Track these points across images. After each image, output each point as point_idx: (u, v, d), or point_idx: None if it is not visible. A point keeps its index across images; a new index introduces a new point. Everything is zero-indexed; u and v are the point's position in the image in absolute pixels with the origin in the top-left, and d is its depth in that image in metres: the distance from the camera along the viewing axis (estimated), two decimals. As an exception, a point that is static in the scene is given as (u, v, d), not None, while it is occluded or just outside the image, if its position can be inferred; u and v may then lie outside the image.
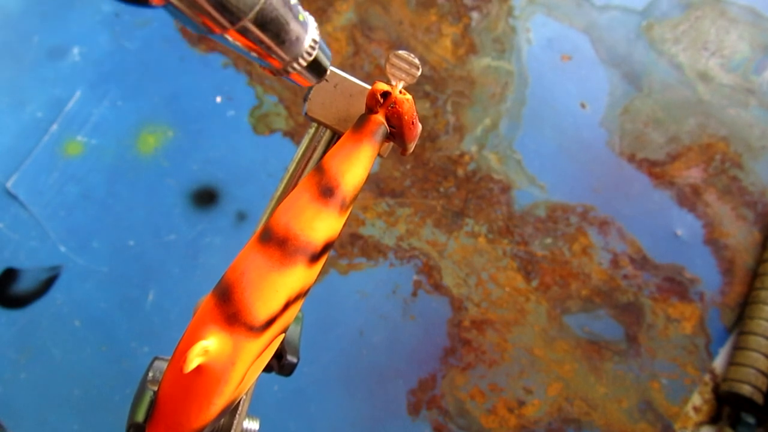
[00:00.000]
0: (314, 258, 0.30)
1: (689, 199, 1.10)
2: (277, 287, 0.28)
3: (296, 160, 0.41)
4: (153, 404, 0.29)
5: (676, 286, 1.05)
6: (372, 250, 1.04)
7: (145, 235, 1.02)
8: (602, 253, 1.06)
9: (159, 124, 1.09)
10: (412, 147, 0.40)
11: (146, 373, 0.34)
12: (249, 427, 0.34)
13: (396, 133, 0.37)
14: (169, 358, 0.31)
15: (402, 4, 1.19)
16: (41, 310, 0.98)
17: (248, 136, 1.10)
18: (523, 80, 1.15)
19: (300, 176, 0.42)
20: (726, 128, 1.14)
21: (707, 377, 1.01)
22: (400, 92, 0.36)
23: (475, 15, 1.19)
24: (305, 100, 0.39)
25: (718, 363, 1.02)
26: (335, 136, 0.41)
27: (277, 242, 0.29)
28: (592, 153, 1.12)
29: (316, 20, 1.16)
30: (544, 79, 1.16)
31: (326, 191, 0.31)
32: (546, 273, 1.05)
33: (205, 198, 1.05)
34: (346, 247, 1.04)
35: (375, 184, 1.07)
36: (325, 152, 0.42)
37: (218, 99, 1.11)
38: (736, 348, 1.01)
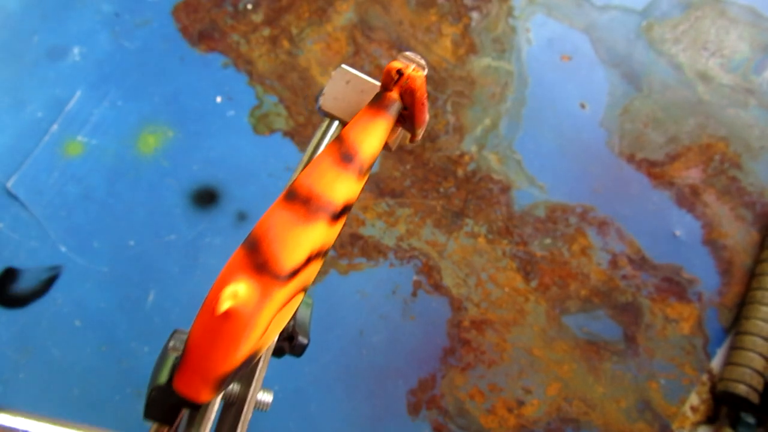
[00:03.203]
0: (335, 217, 0.33)
1: (688, 199, 1.10)
2: (301, 241, 0.31)
3: (309, 152, 0.42)
4: (178, 361, 0.31)
5: (675, 286, 1.06)
6: (372, 250, 1.05)
7: (145, 235, 1.03)
8: (601, 254, 1.06)
9: (159, 124, 1.09)
10: (421, 132, 0.42)
11: (168, 342, 0.36)
12: (263, 399, 0.36)
13: (407, 115, 0.40)
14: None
15: (402, 4, 1.19)
16: (41, 310, 0.98)
17: (248, 136, 1.10)
18: (522, 80, 1.15)
19: None
20: (725, 128, 1.14)
21: (705, 377, 1.02)
22: (413, 70, 0.38)
23: (475, 15, 1.19)
24: (318, 96, 0.42)
25: (716, 363, 1.03)
26: (343, 125, 0.44)
27: (301, 201, 0.32)
28: (592, 153, 1.12)
29: (316, 20, 1.17)
30: (544, 79, 1.16)
31: (346, 157, 0.35)
32: (545, 273, 1.05)
33: (206, 198, 1.05)
34: (346, 247, 1.05)
35: (375, 184, 1.07)
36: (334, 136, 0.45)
37: (218, 99, 1.11)
38: (733, 348, 1.01)
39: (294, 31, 1.17)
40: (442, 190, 1.09)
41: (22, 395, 0.94)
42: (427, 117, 0.42)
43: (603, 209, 1.09)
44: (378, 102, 0.38)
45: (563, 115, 1.14)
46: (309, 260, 0.32)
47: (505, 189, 1.09)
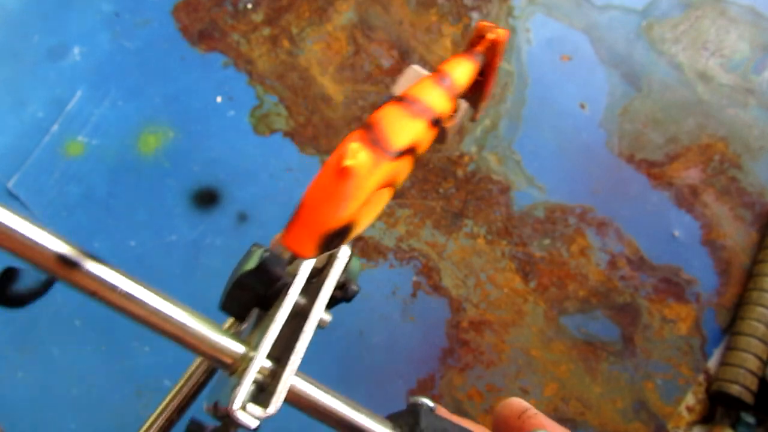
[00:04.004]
0: (434, 123, 0.40)
1: (687, 199, 1.11)
2: (407, 129, 0.38)
3: None
4: (294, 212, 0.36)
5: (673, 287, 1.06)
6: (372, 251, 1.05)
7: (146, 235, 1.03)
8: (600, 254, 1.07)
9: (160, 125, 1.10)
10: (484, 108, 0.48)
11: (250, 248, 0.41)
12: (324, 317, 0.39)
13: (478, 83, 0.45)
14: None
15: (402, 4, 1.19)
16: (41, 310, 0.98)
17: (249, 136, 1.10)
18: (522, 81, 1.15)
19: None
20: (725, 128, 1.14)
21: (701, 377, 1.03)
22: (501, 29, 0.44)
23: (475, 15, 1.19)
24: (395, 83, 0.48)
25: (713, 363, 1.03)
26: None
27: (408, 101, 0.39)
28: (591, 154, 1.13)
29: (316, 20, 1.16)
30: (544, 79, 1.16)
31: (443, 78, 0.42)
32: (544, 274, 1.05)
33: (206, 198, 1.06)
34: (346, 248, 1.05)
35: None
36: None
37: (219, 99, 1.11)
38: (728, 348, 1.02)
39: (294, 30, 1.17)
40: (441, 190, 1.09)
41: (19, 394, 0.95)
42: (492, 91, 0.48)
43: (602, 210, 1.09)
44: (467, 50, 0.44)
45: (563, 115, 1.14)
46: (409, 151, 0.38)
47: (505, 190, 1.09)
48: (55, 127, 1.08)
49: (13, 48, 1.12)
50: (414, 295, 1.03)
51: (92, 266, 0.33)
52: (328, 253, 0.40)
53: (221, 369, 0.36)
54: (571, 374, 1.01)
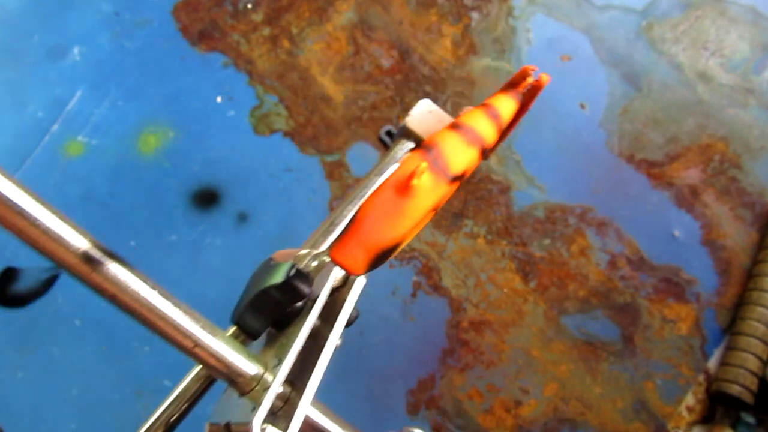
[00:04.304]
0: (483, 153, 0.42)
1: (687, 199, 1.11)
2: (464, 155, 0.40)
3: (379, 165, 0.48)
4: (346, 228, 0.36)
5: (673, 287, 1.06)
6: (371, 251, 1.05)
7: (146, 235, 1.03)
8: (600, 254, 1.07)
9: (160, 125, 1.10)
10: (497, 148, 0.50)
11: (267, 260, 0.39)
12: (338, 343, 0.39)
13: (513, 119, 0.48)
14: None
15: (402, 4, 1.19)
16: (41, 310, 0.98)
17: (249, 136, 1.10)
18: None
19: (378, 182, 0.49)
20: (725, 128, 1.14)
21: (701, 377, 1.03)
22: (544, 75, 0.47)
23: (475, 15, 1.19)
24: (405, 117, 0.50)
25: (713, 363, 1.03)
26: (417, 146, 0.51)
27: (464, 130, 0.41)
28: (592, 154, 1.13)
29: (316, 20, 1.16)
30: (544, 79, 1.16)
31: (493, 115, 0.44)
32: (544, 274, 1.05)
33: (206, 199, 1.06)
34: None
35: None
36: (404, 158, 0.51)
37: (219, 99, 1.11)
38: (728, 348, 1.02)
39: (294, 30, 1.17)
40: (441, 190, 1.09)
41: (19, 394, 0.95)
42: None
43: (602, 210, 1.09)
44: (512, 89, 0.47)
45: (563, 115, 1.14)
46: (461, 176, 0.40)
47: (505, 190, 1.09)
48: (55, 127, 1.08)
49: (13, 48, 1.12)
50: (414, 295, 1.03)
51: (114, 268, 0.31)
52: (343, 275, 0.40)
53: (232, 388, 0.35)
54: (571, 374, 1.01)
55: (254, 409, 0.32)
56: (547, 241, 1.07)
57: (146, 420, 0.41)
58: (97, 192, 1.05)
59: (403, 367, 1.00)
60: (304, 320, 0.36)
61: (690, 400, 1.01)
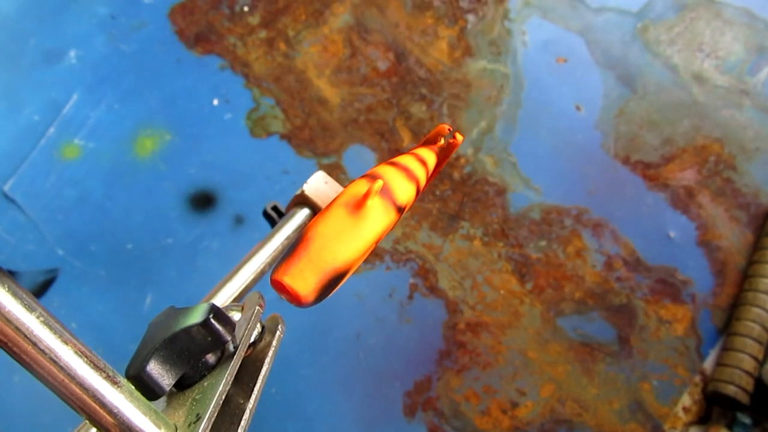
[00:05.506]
0: (417, 190, 0.43)
1: (683, 201, 1.11)
2: (406, 189, 0.40)
3: (278, 235, 0.53)
4: (293, 248, 0.32)
5: (669, 287, 1.06)
6: (368, 253, 1.05)
7: (142, 238, 1.03)
8: (596, 256, 1.07)
9: (156, 127, 1.10)
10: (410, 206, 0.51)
11: (169, 308, 0.35)
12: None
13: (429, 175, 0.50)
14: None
15: (398, 7, 1.19)
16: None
17: (245, 139, 1.10)
18: (518, 83, 1.16)
19: (278, 250, 0.53)
20: (720, 130, 1.15)
21: (698, 378, 1.03)
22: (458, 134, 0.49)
23: (470, 18, 1.19)
24: (304, 185, 0.53)
25: (709, 364, 1.04)
26: (313, 214, 0.55)
27: (402, 167, 0.42)
28: (587, 155, 1.13)
29: (313, 22, 1.17)
30: (540, 81, 1.16)
31: (421, 161, 0.45)
32: (540, 275, 1.06)
33: (203, 201, 1.06)
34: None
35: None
36: (304, 225, 0.56)
37: (215, 102, 1.12)
38: (724, 349, 1.02)
39: (290, 33, 1.17)
40: (438, 192, 1.09)
41: (15, 398, 0.95)
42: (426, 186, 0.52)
43: (598, 211, 1.10)
44: (431, 144, 0.49)
45: (559, 117, 1.14)
46: (402, 209, 0.40)
47: (501, 191, 1.10)
48: (52, 131, 1.08)
49: (9, 51, 1.12)
50: (411, 297, 1.04)
51: None
52: (259, 328, 0.35)
53: None
54: (567, 375, 1.01)
55: None
56: (543, 243, 1.07)
57: None
58: (93, 195, 1.05)
59: (399, 368, 1.00)
60: (224, 370, 0.30)
61: (686, 400, 1.02)
